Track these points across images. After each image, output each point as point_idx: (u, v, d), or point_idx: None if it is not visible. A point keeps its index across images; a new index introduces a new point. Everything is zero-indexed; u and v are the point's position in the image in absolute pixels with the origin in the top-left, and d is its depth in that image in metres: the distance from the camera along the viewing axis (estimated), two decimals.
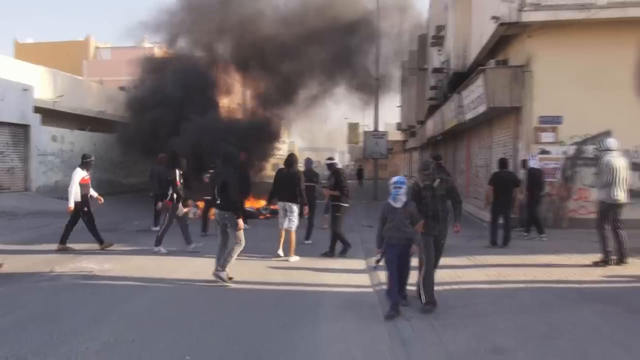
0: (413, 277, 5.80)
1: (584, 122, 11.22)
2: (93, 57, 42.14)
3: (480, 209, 13.39)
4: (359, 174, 38.76)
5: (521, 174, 10.56)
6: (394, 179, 5.56)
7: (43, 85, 20.99)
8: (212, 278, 6.71)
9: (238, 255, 6.85)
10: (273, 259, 8.39)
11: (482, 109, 12.37)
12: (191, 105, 19.44)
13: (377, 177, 24.64)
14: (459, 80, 15.63)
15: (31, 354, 4.26)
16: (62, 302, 5.84)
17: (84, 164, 9.14)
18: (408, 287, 5.77)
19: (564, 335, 4.72)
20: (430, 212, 5.60)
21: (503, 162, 9.79)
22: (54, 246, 8.97)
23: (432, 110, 22.54)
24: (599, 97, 11.03)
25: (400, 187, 5.42)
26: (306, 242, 9.85)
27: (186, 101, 19.56)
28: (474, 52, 15.00)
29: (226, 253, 6.69)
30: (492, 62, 12.69)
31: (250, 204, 14.53)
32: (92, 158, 9.32)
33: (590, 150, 11.15)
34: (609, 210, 7.50)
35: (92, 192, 9.21)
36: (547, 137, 11.50)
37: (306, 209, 8.77)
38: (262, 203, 13.93)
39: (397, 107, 43.00)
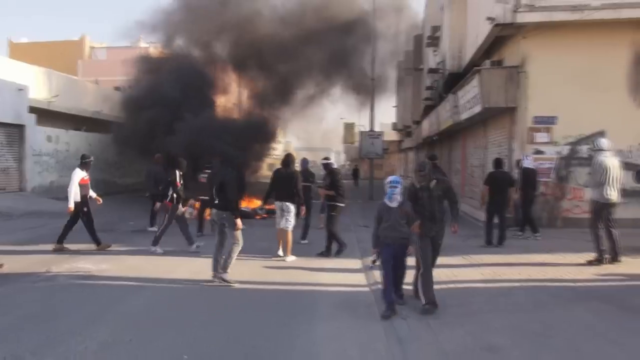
0: (409, 276, 5.84)
1: (578, 123, 11.30)
2: (88, 57, 41.98)
3: (476, 209, 13.45)
4: (355, 173, 38.83)
5: (516, 174, 10.62)
6: (390, 178, 5.58)
7: (38, 85, 20.90)
8: (209, 278, 6.73)
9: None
10: (273, 258, 8.41)
11: (477, 109, 12.43)
12: (187, 105, 19.39)
13: (373, 177, 24.70)
14: (454, 80, 15.68)
15: (29, 353, 4.27)
16: (58, 302, 5.85)
17: (83, 164, 9.11)
18: (404, 287, 5.81)
19: (558, 334, 4.77)
20: (427, 213, 5.57)
21: (498, 162, 9.86)
22: (50, 246, 8.95)
23: (428, 110, 22.61)
24: (593, 97, 11.11)
25: (395, 187, 5.45)
26: (302, 242, 9.87)
27: (182, 100, 19.52)
28: (469, 53, 15.06)
29: (226, 255, 6.70)
30: (487, 63, 12.76)
31: (246, 204, 14.53)
32: (92, 158, 9.30)
33: (584, 150, 11.23)
34: (602, 210, 7.57)
35: (91, 193, 9.20)
36: (541, 137, 11.58)
37: (303, 209, 8.81)
38: (258, 203, 13.95)
39: (393, 107, 43.04)
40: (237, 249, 6.74)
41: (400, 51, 30.39)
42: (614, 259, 7.57)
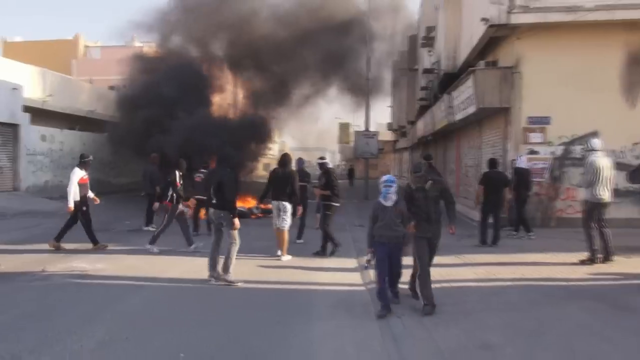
0: (405, 275, 5.88)
1: (571, 123, 11.39)
2: (82, 56, 41.76)
3: (470, 209, 13.53)
4: (350, 173, 38.91)
5: (510, 174, 10.69)
6: (384, 177, 5.61)
7: (32, 84, 20.80)
8: (205, 277, 6.75)
9: None
10: (272, 258, 8.42)
11: (471, 109, 12.50)
12: (183, 104, 19.35)
13: (368, 177, 24.77)
14: (449, 81, 15.76)
15: (26, 352, 4.28)
16: (55, 302, 5.84)
17: (82, 163, 9.08)
18: (400, 285, 5.85)
19: (551, 331, 4.83)
20: (423, 214, 5.54)
21: (493, 162, 9.91)
22: (45, 246, 8.93)
23: (423, 110, 22.69)
24: (586, 98, 11.20)
25: (390, 186, 5.48)
26: (298, 241, 9.89)
27: (178, 100, 19.48)
28: (464, 53, 15.14)
29: (225, 256, 6.71)
30: (481, 63, 12.82)
31: (241, 204, 14.54)
32: (91, 157, 9.26)
33: (578, 150, 11.32)
34: (594, 209, 7.65)
35: (89, 193, 9.18)
36: (535, 137, 11.65)
37: (300, 209, 8.84)
38: (254, 202, 13.96)
39: (388, 107, 43.20)
40: (235, 248, 6.76)
41: (395, 51, 30.47)
42: (607, 259, 7.64)
